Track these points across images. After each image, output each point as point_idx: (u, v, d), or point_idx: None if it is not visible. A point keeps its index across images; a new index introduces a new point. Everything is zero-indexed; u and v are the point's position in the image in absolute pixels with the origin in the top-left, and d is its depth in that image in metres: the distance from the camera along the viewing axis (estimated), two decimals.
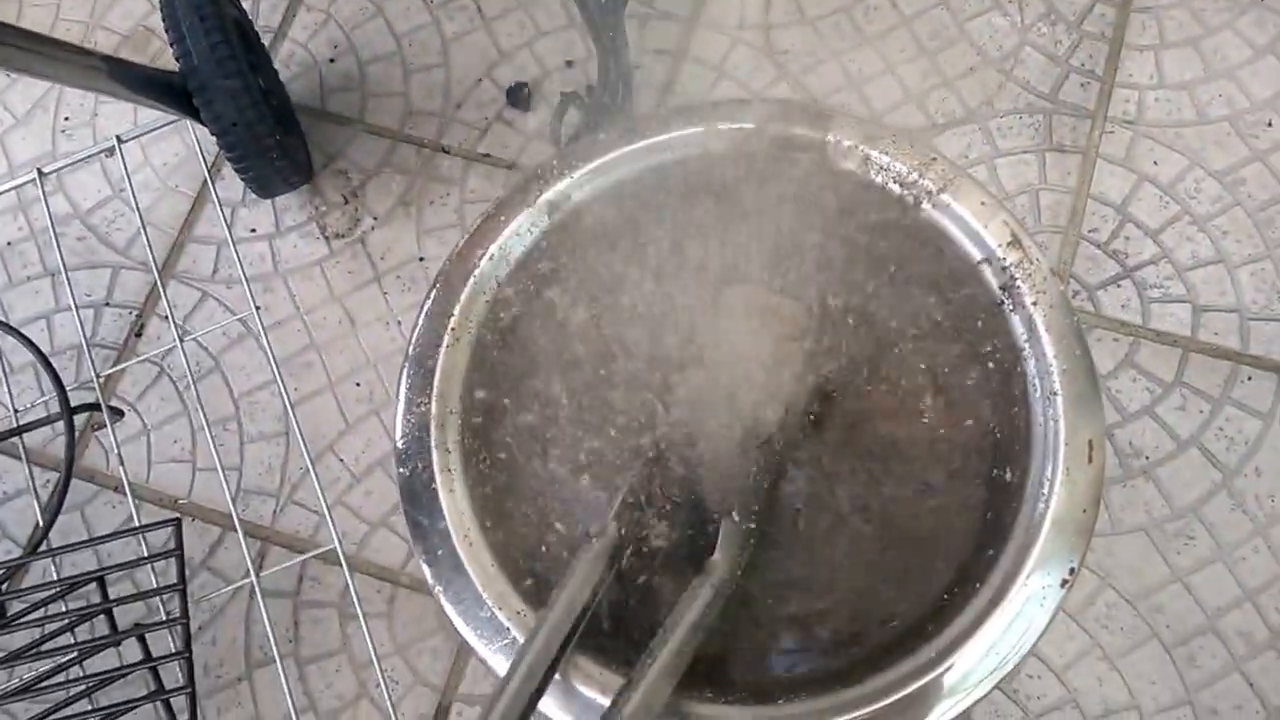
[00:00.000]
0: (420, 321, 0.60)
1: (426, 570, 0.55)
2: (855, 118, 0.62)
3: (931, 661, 0.52)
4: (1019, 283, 0.57)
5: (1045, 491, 0.54)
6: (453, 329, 0.60)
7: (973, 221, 0.58)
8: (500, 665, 0.55)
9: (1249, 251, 1.13)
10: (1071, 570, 0.53)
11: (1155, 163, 1.16)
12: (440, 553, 0.55)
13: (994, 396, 0.60)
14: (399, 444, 0.58)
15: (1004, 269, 0.58)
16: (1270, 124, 1.17)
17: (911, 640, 0.54)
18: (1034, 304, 0.57)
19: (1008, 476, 0.57)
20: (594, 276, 0.66)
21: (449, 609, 0.55)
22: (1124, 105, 1.19)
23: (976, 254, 0.59)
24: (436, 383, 0.58)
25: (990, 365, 0.60)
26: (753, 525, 0.59)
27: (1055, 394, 0.55)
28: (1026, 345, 0.57)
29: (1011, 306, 0.57)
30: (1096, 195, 1.16)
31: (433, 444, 0.57)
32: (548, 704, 0.53)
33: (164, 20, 1.04)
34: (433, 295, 0.61)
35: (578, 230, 0.64)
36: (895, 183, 0.60)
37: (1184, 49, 1.21)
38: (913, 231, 0.61)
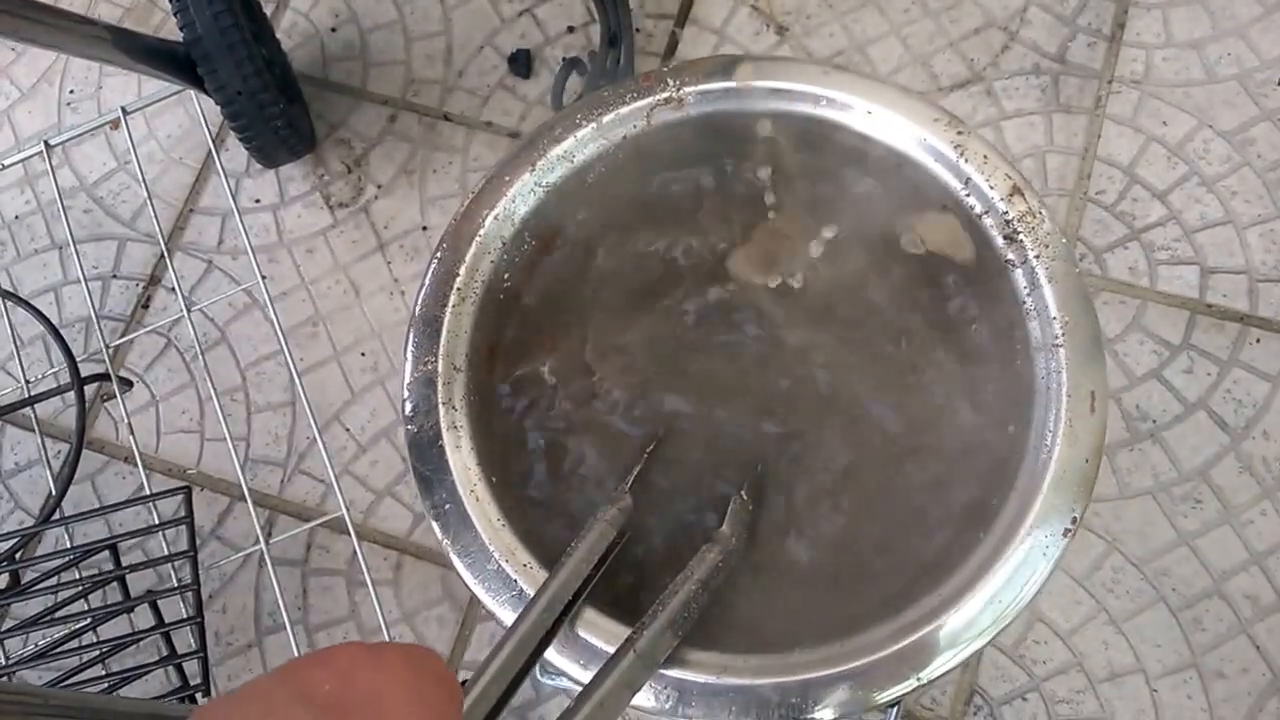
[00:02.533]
0: (426, 282, 0.60)
1: (434, 525, 0.56)
2: (861, 76, 0.62)
3: (934, 611, 0.52)
4: (1021, 235, 0.57)
5: (1048, 442, 0.54)
6: (458, 289, 0.60)
7: (975, 175, 0.58)
8: (507, 617, 0.55)
9: (1258, 212, 1.12)
10: (1074, 520, 0.53)
11: (1163, 123, 1.16)
12: (448, 507, 0.56)
13: (997, 348, 0.60)
14: (406, 401, 0.58)
15: (1006, 221, 0.58)
16: None
17: (915, 590, 0.54)
18: (1037, 257, 0.56)
19: (1010, 429, 0.57)
20: (599, 236, 0.66)
21: (457, 562, 0.55)
22: (1131, 65, 1.18)
23: (978, 206, 0.59)
24: (443, 341, 0.59)
25: (994, 317, 0.60)
26: (754, 508, 0.61)
27: (1058, 345, 0.55)
28: (1029, 298, 0.57)
29: (1015, 259, 0.57)
30: (1104, 157, 1.15)
31: (439, 401, 0.57)
32: (552, 652, 0.54)
33: None
34: (438, 256, 0.61)
35: (582, 189, 0.64)
36: (903, 137, 0.60)
37: (1192, 7, 1.20)
38: (914, 184, 0.61)
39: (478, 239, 0.61)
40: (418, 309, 0.60)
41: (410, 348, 0.59)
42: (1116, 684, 1.02)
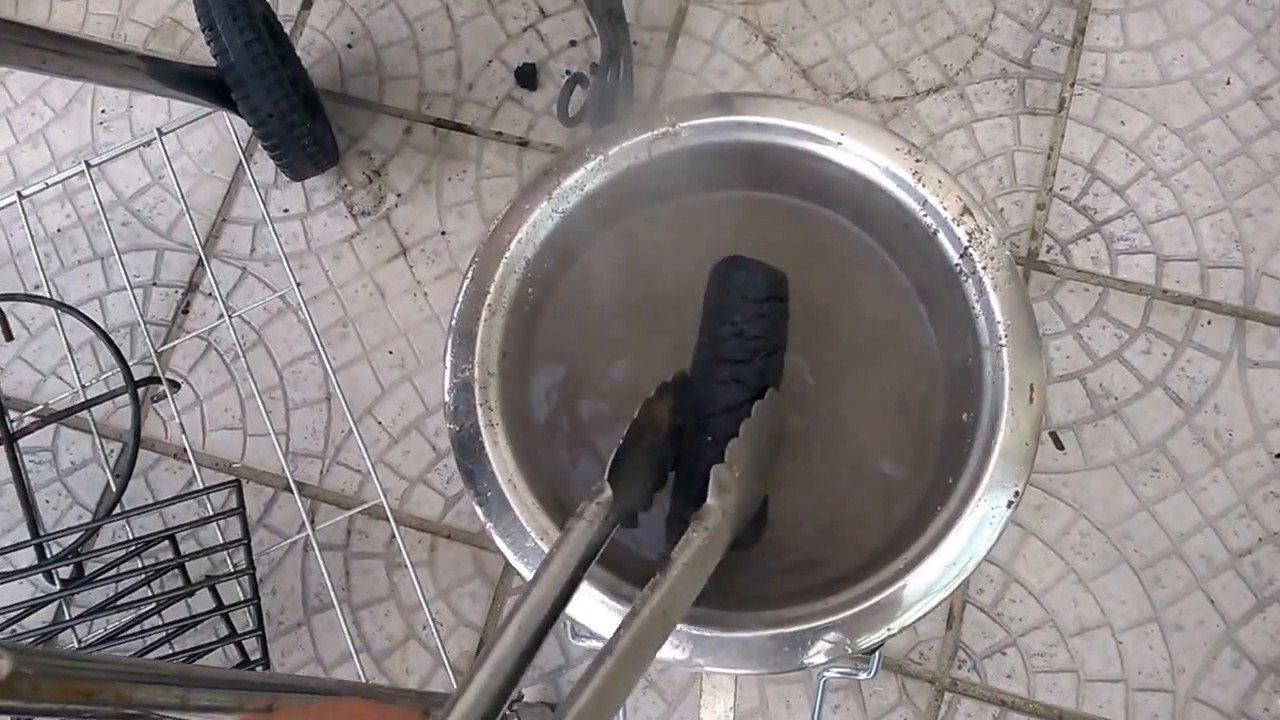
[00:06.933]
0: (460, 299, 0.70)
1: (478, 510, 0.65)
2: (833, 110, 0.71)
3: (900, 572, 0.62)
4: (971, 250, 0.67)
5: (994, 429, 0.64)
6: (489, 304, 0.69)
7: (931, 197, 0.68)
8: None
9: (1209, 204, 1.21)
10: (1016, 493, 0.62)
11: (1122, 122, 1.25)
12: (489, 495, 0.65)
13: (951, 349, 0.69)
14: (449, 404, 0.68)
15: (958, 238, 0.67)
16: (1229, 82, 1.25)
17: (884, 556, 0.64)
18: (984, 268, 0.66)
19: (964, 418, 0.67)
20: (608, 253, 0.75)
21: (499, 542, 0.65)
22: (1092, 68, 1.27)
23: (933, 224, 0.68)
24: (478, 350, 0.68)
25: (948, 321, 0.69)
26: (739, 474, 0.61)
27: (1002, 345, 0.65)
28: (977, 304, 0.66)
29: (966, 270, 0.67)
30: (1067, 155, 1.24)
31: (477, 403, 0.67)
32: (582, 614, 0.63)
33: (199, 20, 1.12)
34: (470, 274, 0.70)
35: (593, 213, 0.73)
36: (870, 165, 0.70)
37: (1147, 12, 1.29)
38: (879, 207, 0.70)
39: (504, 259, 0.71)
40: (454, 322, 0.69)
41: (449, 357, 0.69)
42: (1086, 637, 1.11)
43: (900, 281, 0.73)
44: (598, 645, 0.64)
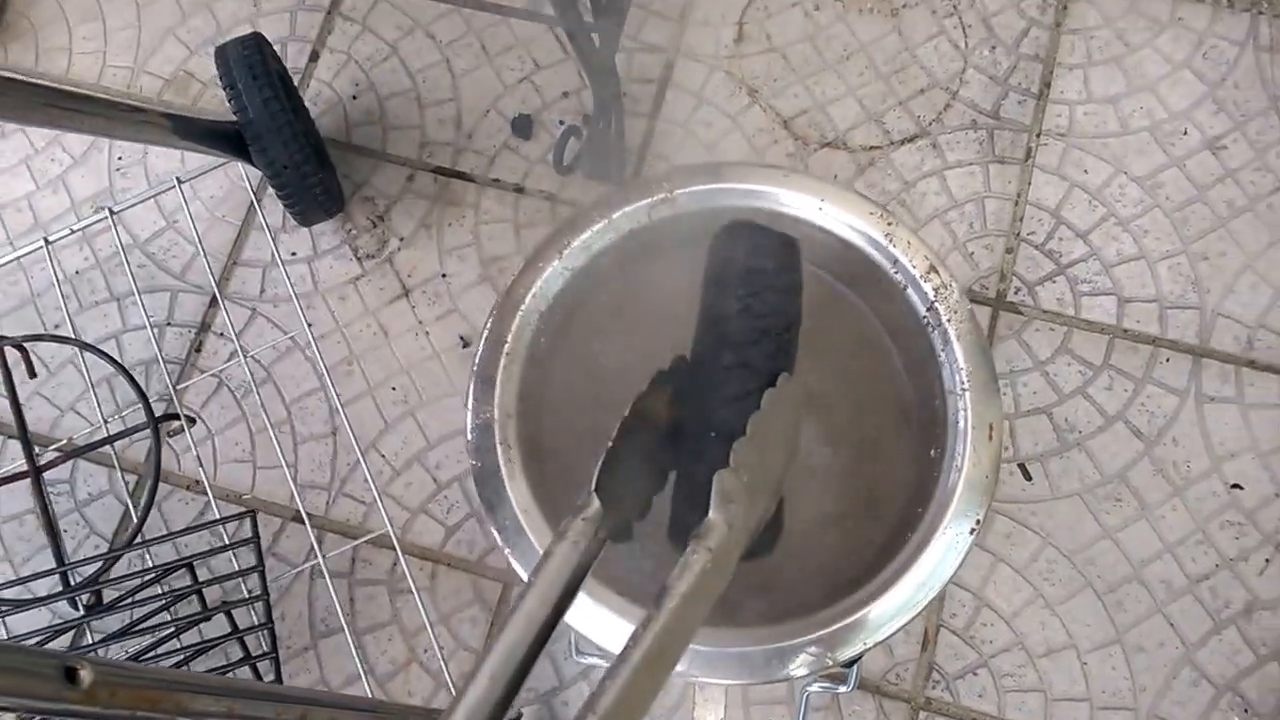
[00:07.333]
0: (481, 347, 0.77)
1: (497, 536, 0.72)
2: (813, 178, 0.79)
3: (874, 593, 0.69)
4: (937, 304, 0.74)
5: (958, 463, 0.71)
6: (507, 352, 0.76)
7: (901, 256, 0.75)
8: None
9: (1167, 248, 1.29)
10: (978, 521, 0.70)
11: (1085, 170, 1.33)
12: (507, 523, 0.72)
13: (921, 390, 0.77)
14: (471, 442, 0.75)
15: (925, 293, 0.75)
16: (1186, 132, 1.33)
17: (861, 578, 0.71)
18: (948, 320, 0.74)
19: (932, 454, 0.74)
20: (611, 307, 0.82)
21: (515, 565, 0.72)
22: (1056, 119, 1.35)
23: (903, 281, 0.76)
24: (497, 394, 0.75)
25: (918, 366, 0.77)
26: (748, 479, 0.54)
27: (965, 389, 0.72)
28: (943, 352, 0.74)
29: (932, 322, 0.74)
30: (1034, 201, 1.32)
31: (496, 441, 0.74)
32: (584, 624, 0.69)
33: (221, 79, 1.19)
34: (489, 325, 0.77)
35: (598, 271, 0.81)
36: (846, 228, 0.78)
37: (1109, 66, 1.37)
38: (856, 265, 0.78)
39: (520, 312, 0.78)
40: (475, 368, 0.76)
41: (471, 400, 0.75)
42: (1053, 659, 1.18)
43: (876, 329, 0.80)
44: (601, 663, 0.70)
